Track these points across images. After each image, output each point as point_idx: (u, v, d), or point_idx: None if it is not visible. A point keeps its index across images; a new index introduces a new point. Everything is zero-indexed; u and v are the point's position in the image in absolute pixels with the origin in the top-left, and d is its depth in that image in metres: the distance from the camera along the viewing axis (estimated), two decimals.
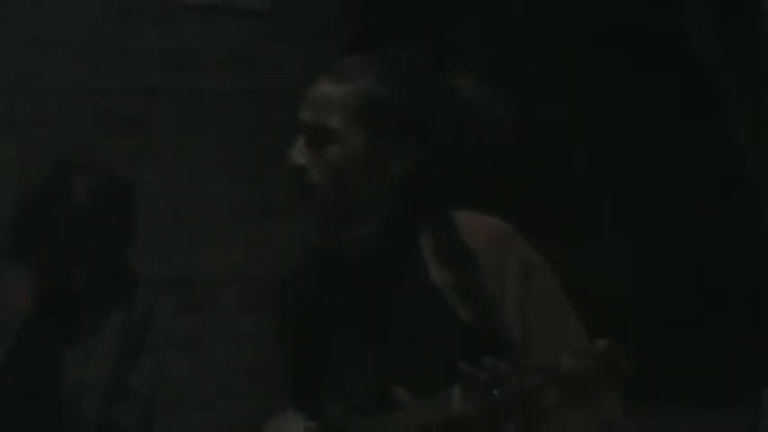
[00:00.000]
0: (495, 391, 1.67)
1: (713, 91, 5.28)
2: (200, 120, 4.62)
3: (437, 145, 1.97)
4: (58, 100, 4.23)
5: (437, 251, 1.93)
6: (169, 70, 4.53)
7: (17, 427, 2.71)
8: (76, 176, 2.70)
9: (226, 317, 4.66)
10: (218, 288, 4.64)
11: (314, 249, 2.00)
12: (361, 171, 1.93)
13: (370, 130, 1.93)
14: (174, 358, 4.32)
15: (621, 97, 5.77)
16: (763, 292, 5.19)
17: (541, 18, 5.82)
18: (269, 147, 4.69)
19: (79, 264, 2.68)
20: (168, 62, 4.53)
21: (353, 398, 1.94)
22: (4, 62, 4.12)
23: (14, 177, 3.87)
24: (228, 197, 4.68)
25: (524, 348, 1.85)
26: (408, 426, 1.77)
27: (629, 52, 5.70)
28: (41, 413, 2.71)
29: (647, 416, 4.85)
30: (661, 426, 4.93)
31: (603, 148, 5.82)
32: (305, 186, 1.94)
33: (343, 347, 1.97)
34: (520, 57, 5.84)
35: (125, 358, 2.76)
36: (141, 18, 4.45)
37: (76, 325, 2.74)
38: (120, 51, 4.40)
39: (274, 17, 4.83)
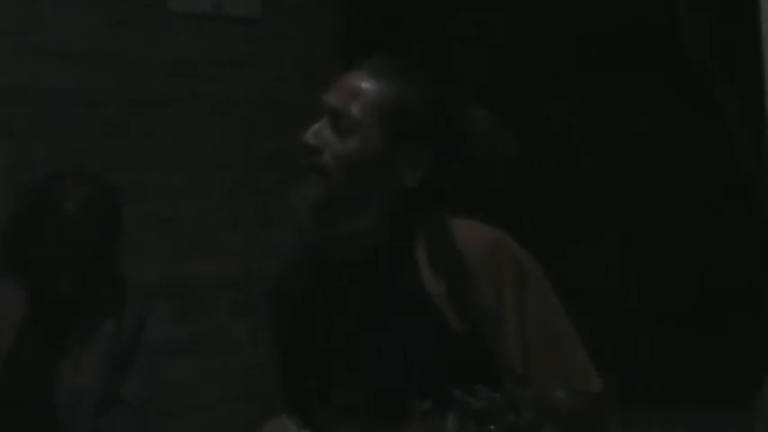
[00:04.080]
0: (492, 427, 1.64)
1: (712, 91, 5.28)
2: (195, 126, 4.61)
3: (446, 162, 1.96)
4: (53, 107, 4.22)
5: (432, 259, 1.92)
6: (163, 77, 4.52)
7: None
8: (65, 186, 2.70)
9: (222, 323, 4.65)
10: (213, 294, 4.63)
11: (306, 249, 1.99)
12: (374, 170, 1.93)
13: (392, 131, 1.93)
14: (171, 364, 4.31)
15: (622, 98, 5.76)
16: (763, 291, 5.18)
17: (542, 18, 5.81)
18: (264, 152, 4.68)
19: (68, 273, 2.67)
20: (161, 69, 4.52)
21: (345, 402, 1.92)
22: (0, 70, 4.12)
23: (10, 185, 3.85)
24: (223, 203, 4.67)
25: (521, 361, 1.84)
26: None
27: (629, 53, 5.69)
28: (36, 424, 2.70)
29: (647, 415, 4.86)
30: (660, 425, 4.92)
31: (603, 147, 5.81)
32: (313, 169, 1.93)
33: (334, 351, 1.96)
34: (520, 57, 5.83)
35: (117, 366, 2.75)
36: (134, 26, 4.45)
37: (68, 335, 2.72)
38: (113, 59, 4.39)
39: (266, 23, 4.82)
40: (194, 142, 4.61)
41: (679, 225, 5.74)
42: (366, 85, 1.94)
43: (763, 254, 5.26)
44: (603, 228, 5.89)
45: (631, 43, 5.66)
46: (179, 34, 4.58)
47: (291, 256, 2.07)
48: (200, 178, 4.62)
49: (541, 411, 1.65)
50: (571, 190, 5.85)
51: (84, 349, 2.72)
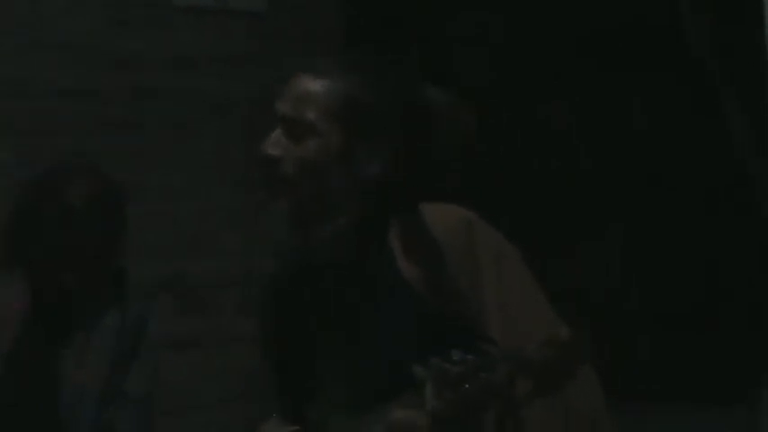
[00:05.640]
0: (466, 385, 1.65)
1: (713, 90, 5.27)
2: (197, 122, 4.61)
3: (410, 150, 1.97)
4: (54, 103, 4.22)
5: (406, 245, 1.94)
6: (164, 73, 4.52)
7: None
8: (67, 179, 2.69)
9: (224, 320, 4.65)
10: (216, 291, 4.63)
11: (289, 251, 2.00)
12: (336, 168, 1.93)
13: (348, 128, 1.93)
14: (172, 363, 4.31)
15: (622, 98, 5.76)
16: (763, 290, 5.18)
17: (542, 18, 5.81)
18: None
19: (70, 267, 2.66)
20: (164, 65, 4.52)
21: (334, 397, 1.94)
22: (1, 65, 4.11)
23: (12, 181, 3.85)
24: (224, 202, 4.67)
25: (499, 334, 1.85)
26: (386, 425, 1.76)
27: (629, 53, 5.68)
28: (38, 421, 2.70)
29: (647, 415, 4.86)
30: (659, 424, 4.92)
31: (603, 147, 5.81)
32: (276, 179, 1.93)
33: (321, 348, 1.97)
34: (520, 57, 5.83)
35: (120, 361, 2.75)
36: (136, 21, 4.44)
37: (69, 332, 2.72)
38: (116, 55, 4.39)
39: (270, 18, 4.82)
40: (195, 140, 4.61)
41: (679, 225, 5.74)
42: (315, 86, 1.94)
43: (764, 254, 5.26)
44: (603, 228, 5.89)
45: (632, 43, 5.65)
46: (182, 30, 4.58)
47: (279, 259, 2.09)
48: (200, 177, 4.62)
49: (513, 366, 1.66)
50: (571, 190, 5.84)
51: (86, 346, 2.72)
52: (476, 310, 1.87)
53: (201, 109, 4.63)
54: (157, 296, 3.82)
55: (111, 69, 4.37)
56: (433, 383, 1.68)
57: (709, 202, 5.67)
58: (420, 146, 1.97)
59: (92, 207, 2.66)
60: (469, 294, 1.88)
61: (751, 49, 4.88)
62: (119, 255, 2.78)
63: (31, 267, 2.70)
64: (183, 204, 4.57)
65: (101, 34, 4.35)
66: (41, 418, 2.70)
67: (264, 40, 4.81)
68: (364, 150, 1.94)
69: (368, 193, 1.95)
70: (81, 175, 2.72)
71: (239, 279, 4.66)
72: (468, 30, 5.93)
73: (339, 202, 1.94)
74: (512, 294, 1.91)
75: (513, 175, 5.69)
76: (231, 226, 4.69)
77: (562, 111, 5.85)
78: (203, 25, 4.63)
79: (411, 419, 1.72)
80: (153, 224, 4.41)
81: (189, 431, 4.48)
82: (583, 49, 5.74)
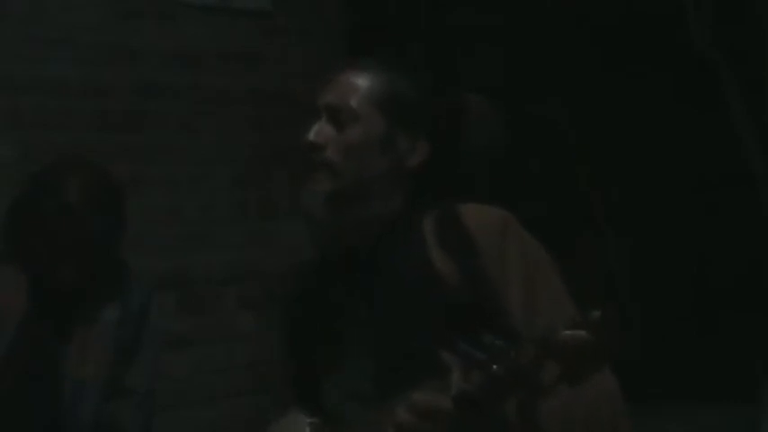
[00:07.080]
0: (494, 366, 1.66)
1: (715, 85, 5.28)
2: (200, 118, 4.62)
3: (448, 144, 2.04)
4: (57, 98, 4.22)
5: (439, 238, 1.98)
6: (169, 69, 4.53)
7: (16, 427, 2.70)
8: (67, 174, 2.70)
9: (226, 315, 4.66)
10: (218, 286, 4.63)
11: (318, 240, 2.03)
12: (377, 155, 2.01)
13: (389, 118, 2.02)
14: (174, 356, 4.32)
15: (624, 92, 5.76)
16: (765, 288, 5.19)
17: (542, 12, 5.81)
18: (268, 145, 4.69)
19: (70, 261, 2.67)
20: (168, 61, 4.53)
21: (354, 386, 1.96)
22: (3, 60, 4.11)
23: (14, 176, 3.86)
24: (228, 195, 4.68)
25: (524, 327, 1.87)
26: (411, 411, 1.76)
27: (632, 47, 5.69)
28: (39, 413, 2.70)
29: (648, 412, 4.86)
30: (661, 422, 4.93)
31: (604, 146, 5.82)
32: (320, 164, 2.00)
33: (343, 337, 1.99)
34: (523, 53, 5.84)
35: (121, 355, 2.75)
36: (141, 17, 4.45)
37: (71, 323, 2.72)
38: (119, 50, 4.39)
39: (275, 17, 4.83)
40: (198, 136, 4.62)
41: (680, 221, 5.75)
42: (360, 80, 2.04)
43: (764, 250, 5.26)
44: (603, 224, 5.89)
45: (636, 39, 5.66)
46: (187, 26, 4.59)
47: (313, 242, 2.13)
48: (203, 172, 4.62)
49: (542, 348, 1.67)
50: (571, 190, 5.85)
51: (87, 340, 2.72)
52: (504, 303, 1.90)
53: (204, 105, 4.64)
54: (161, 289, 3.82)
55: (115, 65, 4.38)
56: (461, 366, 1.69)
57: (712, 198, 5.67)
58: (456, 141, 2.05)
59: (91, 202, 2.66)
60: (499, 289, 1.91)
61: (755, 45, 4.87)
62: (119, 249, 2.78)
63: (32, 262, 2.70)
64: (187, 197, 4.57)
65: (104, 29, 4.36)
66: (43, 412, 2.70)
67: (269, 37, 4.82)
68: (405, 140, 2.02)
69: (406, 181, 2.02)
70: (80, 170, 2.72)
71: (241, 274, 4.67)
72: (472, 29, 5.94)
73: (378, 188, 2.01)
74: (538, 290, 1.95)
75: (500, 169, 5.69)
76: (233, 221, 4.69)
77: (563, 108, 5.85)
78: (208, 22, 4.64)
79: (433, 401, 1.73)
80: (155, 219, 4.41)
81: (190, 426, 4.48)
82: (586, 44, 5.74)
